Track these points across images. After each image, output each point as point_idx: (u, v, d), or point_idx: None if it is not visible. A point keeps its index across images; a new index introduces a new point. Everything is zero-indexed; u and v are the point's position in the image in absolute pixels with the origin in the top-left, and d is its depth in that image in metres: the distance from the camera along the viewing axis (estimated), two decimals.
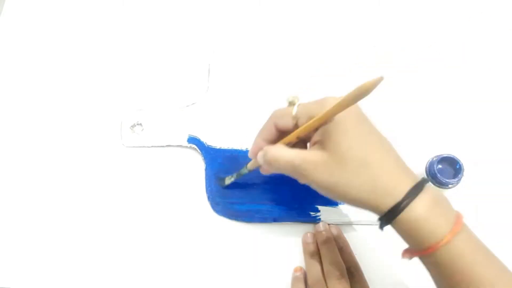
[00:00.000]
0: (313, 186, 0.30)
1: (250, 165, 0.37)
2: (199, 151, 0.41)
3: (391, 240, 0.39)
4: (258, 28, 0.48)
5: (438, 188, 0.36)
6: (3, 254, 0.39)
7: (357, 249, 0.38)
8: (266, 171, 0.35)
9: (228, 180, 0.39)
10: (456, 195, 0.34)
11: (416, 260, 0.38)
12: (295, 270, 0.38)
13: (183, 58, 0.46)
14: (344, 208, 0.40)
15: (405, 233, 0.28)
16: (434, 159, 0.36)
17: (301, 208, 0.39)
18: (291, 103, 0.31)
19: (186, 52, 0.47)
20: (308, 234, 0.38)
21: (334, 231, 0.39)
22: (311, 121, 0.29)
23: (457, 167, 0.36)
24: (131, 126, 0.43)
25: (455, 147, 0.39)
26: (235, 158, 0.41)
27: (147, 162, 0.42)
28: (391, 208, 0.27)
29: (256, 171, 0.40)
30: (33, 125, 0.43)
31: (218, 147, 0.41)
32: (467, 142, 0.42)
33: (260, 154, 0.32)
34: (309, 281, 0.36)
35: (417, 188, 0.27)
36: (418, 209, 0.27)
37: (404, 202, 0.27)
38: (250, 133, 0.42)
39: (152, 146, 0.42)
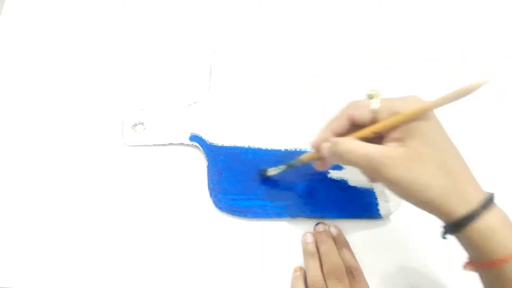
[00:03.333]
0: (386, 183, 0.29)
1: (305, 157, 0.35)
2: (201, 148, 0.42)
3: (391, 240, 0.39)
4: (259, 28, 0.48)
5: None
6: (3, 254, 0.39)
7: (357, 249, 0.38)
8: (322, 166, 0.34)
9: (272, 172, 0.39)
10: None
11: (415, 261, 0.38)
12: (295, 270, 0.38)
13: (184, 58, 0.46)
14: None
15: (473, 243, 0.27)
16: None
17: (306, 204, 0.39)
18: (371, 96, 0.30)
19: (188, 52, 0.47)
20: (308, 234, 0.38)
21: (333, 231, 0.39)
22: (396, 117, 0.28)
23: None
24: (133, 125, 0.43)
25: None
26: (237, 155, 0.41)
27: (149, 161, 0.42)
28: (465, 215, 0.27)
29: (258, 165, 0.40)
30: (35, 125, 0.43)
31: (220, 145, 0.42)
32: (463, 143, 0.42)
33: (326, 145, 0.31)
34: (309, 281, 0.36)
35: (490, 200, 0.27)
36: (492, 219, 0.26)
37: (479, 211, 0.26)
38: (251, 131, 0.42)
39: (154, 145, 0.42)
